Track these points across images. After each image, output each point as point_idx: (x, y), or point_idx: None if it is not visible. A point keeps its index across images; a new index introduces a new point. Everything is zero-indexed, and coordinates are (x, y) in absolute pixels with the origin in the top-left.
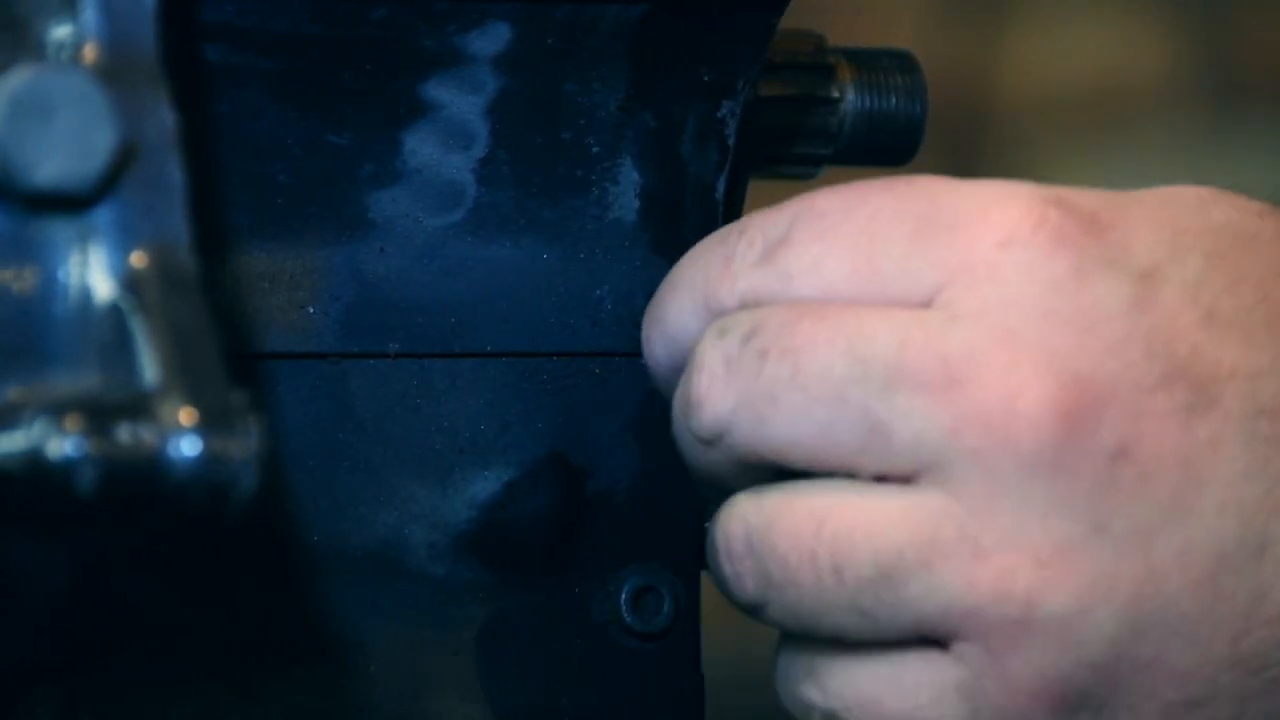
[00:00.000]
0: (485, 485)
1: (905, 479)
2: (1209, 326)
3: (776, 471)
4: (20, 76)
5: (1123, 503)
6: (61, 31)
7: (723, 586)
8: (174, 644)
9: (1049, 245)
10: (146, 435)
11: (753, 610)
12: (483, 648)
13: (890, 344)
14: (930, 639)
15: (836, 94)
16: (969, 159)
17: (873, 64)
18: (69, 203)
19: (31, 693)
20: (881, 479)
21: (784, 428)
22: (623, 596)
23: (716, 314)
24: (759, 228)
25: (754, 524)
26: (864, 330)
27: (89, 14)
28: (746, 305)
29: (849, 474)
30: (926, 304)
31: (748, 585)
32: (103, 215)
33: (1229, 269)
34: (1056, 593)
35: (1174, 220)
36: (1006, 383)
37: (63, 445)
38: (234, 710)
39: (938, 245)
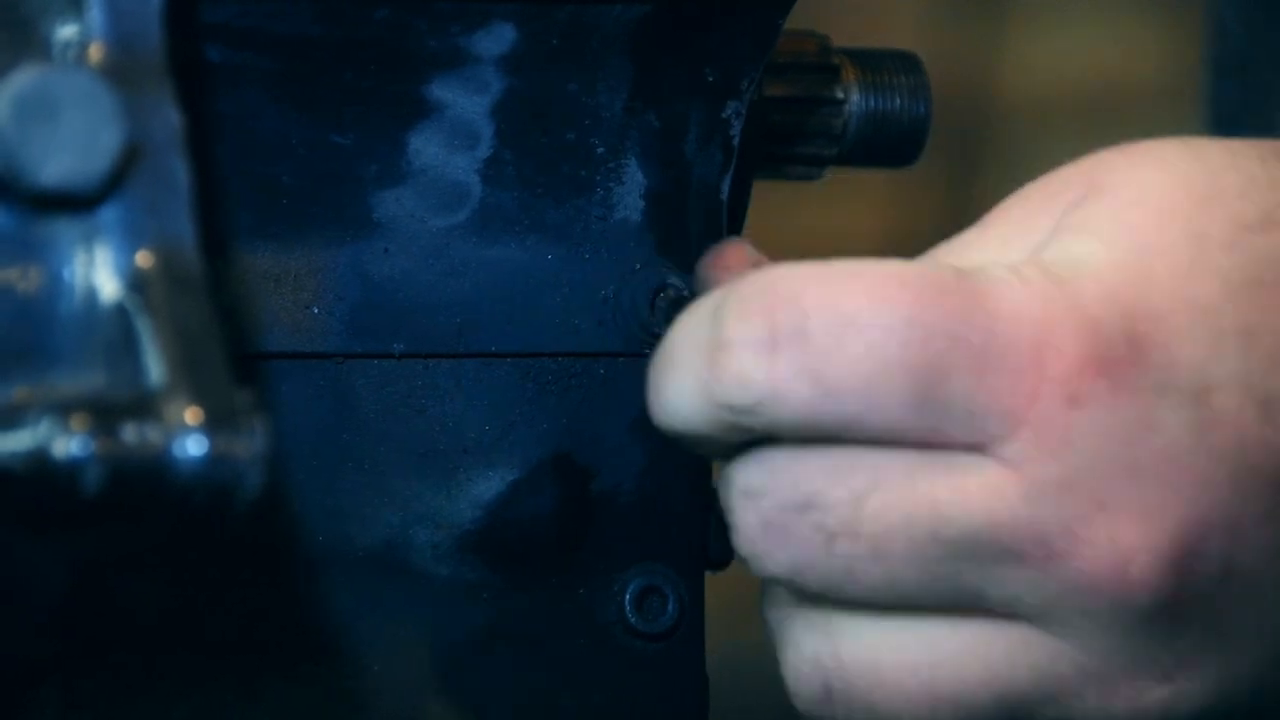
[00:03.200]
0: (489, 485)
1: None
2: (1269, 416)
3: None
4: (26, 76)
5: (1232, 610)
6: (67, 31)
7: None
8: (176, 643)
9: (1111, 396)
10: (152, 435)
11: None
12: (486, 648)
13: (975, 523)
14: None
15: (841, 95)
16: (970, 159)
17: (877, 65)
18: (74, 202)
19: (32, 692)
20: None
21: (863, 592)
22: (627, 597)
23: (722, 405)
24: (757, 306)
25: (846, 669)
26: (941, 511)
27: (94, 14)
28: (761, 401)
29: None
30: (980, 448)
31: None
32: (108, 215)
33: (1264, 335)
34: (1192, 699)
35: (1201, 292)
36: (1115, 553)
37: (68, 445)
38: (235, 710)
39: (1001, 393)
